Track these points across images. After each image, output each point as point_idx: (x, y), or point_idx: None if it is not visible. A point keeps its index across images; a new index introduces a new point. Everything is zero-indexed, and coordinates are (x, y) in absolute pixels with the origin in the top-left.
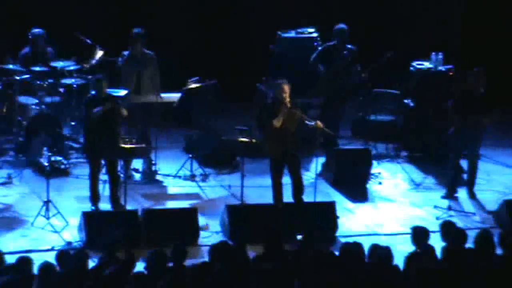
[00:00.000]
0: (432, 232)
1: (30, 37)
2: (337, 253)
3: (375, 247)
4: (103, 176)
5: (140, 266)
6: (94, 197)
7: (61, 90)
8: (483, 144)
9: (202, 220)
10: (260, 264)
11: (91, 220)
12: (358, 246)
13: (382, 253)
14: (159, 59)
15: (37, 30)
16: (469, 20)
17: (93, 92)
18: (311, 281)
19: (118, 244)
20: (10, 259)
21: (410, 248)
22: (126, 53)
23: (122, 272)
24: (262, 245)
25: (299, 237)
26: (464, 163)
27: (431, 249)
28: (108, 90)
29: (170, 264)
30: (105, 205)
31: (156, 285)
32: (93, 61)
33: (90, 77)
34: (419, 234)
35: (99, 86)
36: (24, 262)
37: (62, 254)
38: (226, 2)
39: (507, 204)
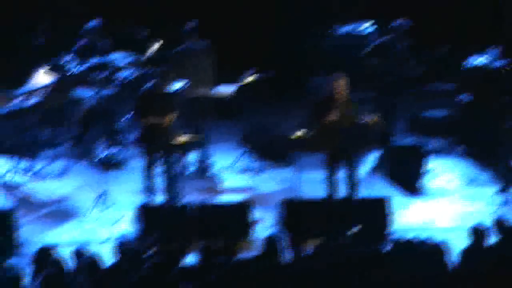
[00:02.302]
0: (486, 227)
1: (86, 29)
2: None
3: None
4: (158, 169)
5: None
6: (149, 190)
7: (117, 82)
8: None
9: (255, 214)
10: (314, 260)
11: (145, 213)
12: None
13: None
14: (215, 51)
15: (93, 22)
16: None
17: (149, 84)
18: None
19: (170, 236)
20: (65, 251)
21: (464, 243)
22: (179, 48)
23: (170, 264)
24: (318, 240)
25: (353, 230)
26: None
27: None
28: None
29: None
30: (159, 198)
31: (206, 279)
32: (149, 54)
33: (146, 69)
34: (480, 233)
35: (164, 79)
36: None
37: (122, 245)
38: None
39: None
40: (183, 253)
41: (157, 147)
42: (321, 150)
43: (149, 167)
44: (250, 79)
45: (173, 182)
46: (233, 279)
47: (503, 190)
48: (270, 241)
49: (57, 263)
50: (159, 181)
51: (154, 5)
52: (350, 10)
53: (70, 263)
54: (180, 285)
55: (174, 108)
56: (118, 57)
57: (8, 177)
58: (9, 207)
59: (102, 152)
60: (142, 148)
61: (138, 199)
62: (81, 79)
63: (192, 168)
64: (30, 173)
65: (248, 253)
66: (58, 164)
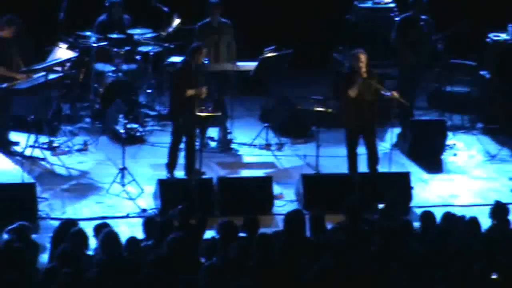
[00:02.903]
0: (506, 204)
1: (107, 4)
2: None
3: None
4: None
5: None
6: (172, 165)
7: (138, 57)
8: None
9: (276, 189)
10: (336, 235)
11: (166, 188)
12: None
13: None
14: (236, 28)
15: None
16: None
17: (174, 60)
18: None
19: (191, 211)
20: (86, 226)
21: (484, 219)
22: (200, 24)
23: (193, 238)
24: (341, 216)
25: (380, 206)
26: None
27: (507, 223)
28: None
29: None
30: (179, 173)
31: (227, 252)
32: (170, 29)
33: (167, 44)
34: (501, 210)
35: (197, 55)
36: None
37: (148, 222)
38: None
39: None
40: (204, 228)
41: (189, 121)
42: (343, 125)
43: (176, 142)
44: (271, 54)
45: (194, 156)
46: (254, 254)
47: None
48: (291, 217)
49: (78, 238)
50: (180, 156)
51: None
52: None
53: (91, 238)
54: (202, 260)
55: (204, 82)
56: (139, 32)
57: (29, 152)
58: (30, 182)
59: (123, 126)
60: (173, 124)
61: (159, 174)
62: (102, 54)
63: (214, 143)
64: (51, 148)
65: (270, 228)
66: (79, 139)
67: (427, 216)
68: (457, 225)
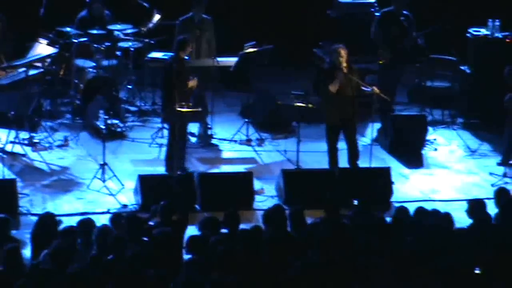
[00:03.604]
0: (487, 199)
1: (88, 0)
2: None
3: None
4: (160, 140)
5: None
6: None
7: (118, 53)
8: None
9: (257, 185)
10: (318, 230)
11: (147, 184)
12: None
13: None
14: (217, 23)
15: None
16: None
17: (155, 55)
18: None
19: (174, 207)
20: (67, 222)
21: (465, 214)
22: (182, 18)
23: (173, 234)
24: (322, 211)
25: (355, 202)
26: None
27: (487, 218)
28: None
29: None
30: (160, 168)
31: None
32: (150, 25)
33: (146, 40)
34: (475, 207)
35: (186, 47)
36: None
37: (116, 217)
38: None
39: None
40: (186, 224)
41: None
42: (323, 120)
43: (175, 138)
44: (251, 50)
45: (175, 152)
46: (235, 250)
47: (504, 161)
48: (271, 213)
49: (66, 234)
50: (161, 152)
51: None
52: None
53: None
54: (183, 256)
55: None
56: (120, 28)
57: (10, 148)
58: (11, 177)
59: (104, 122)
60: (170, 120)
61: (140, 170)
62: (83, 50)
63: (194, 138)
64: (31, 144)
65: (251, 223)
66: (60, 135)
67: (401, 212)
68: (429, 220)
